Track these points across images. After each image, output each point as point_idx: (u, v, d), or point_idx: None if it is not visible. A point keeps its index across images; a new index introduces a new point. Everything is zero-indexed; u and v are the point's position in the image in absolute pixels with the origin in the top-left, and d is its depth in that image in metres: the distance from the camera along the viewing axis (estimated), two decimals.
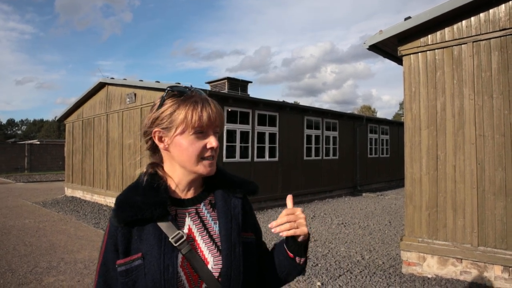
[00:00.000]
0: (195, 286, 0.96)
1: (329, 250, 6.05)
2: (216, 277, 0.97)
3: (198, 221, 1.04)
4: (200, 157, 1.01)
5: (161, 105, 1.03)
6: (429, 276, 4.65)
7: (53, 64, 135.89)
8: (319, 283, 4.50)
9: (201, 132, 1.00)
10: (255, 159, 10.56)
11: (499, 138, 4.26)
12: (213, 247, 1.01)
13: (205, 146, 1.01)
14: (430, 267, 4.69)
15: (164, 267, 0.94)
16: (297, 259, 1.06)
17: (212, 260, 0.99)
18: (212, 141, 1.01)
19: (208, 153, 1.01)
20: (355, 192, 14.31)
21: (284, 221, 0.99)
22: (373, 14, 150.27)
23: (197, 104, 1.00)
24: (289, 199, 1.06)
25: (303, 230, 1.00)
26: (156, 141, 1.04)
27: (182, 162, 1.03)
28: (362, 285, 4.45)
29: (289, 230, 0.99)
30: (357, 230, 7.65)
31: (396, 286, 4.41)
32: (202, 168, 1.02)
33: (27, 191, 15.13)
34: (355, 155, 14.73)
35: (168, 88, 1.05)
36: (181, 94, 1.03)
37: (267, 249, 1.21)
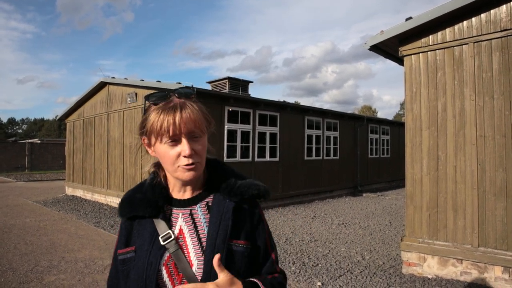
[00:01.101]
0: (177, 285, 0.98)
1: (329, 250, 6.05)
2: (199, 279, 0.97)
3: (191, 223, 1.04)
4: (177, 165, 0.99)
5: (144, 113, 1.07)
6: (429, 276, 4.65)
7: (54, 63, 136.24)
8: (319, 283, 4.50)
9: (173, 140, 0.98)
10: (256, 159, 10.57)
11: (500, 139, 4.26)
12: (200, 250, 1.01)
13: (179, 154, 0.98)
14: (431, 267, 4.69)
15: (148, 263, 0.98)
16: None
17: (196, 263, 0.99)
18: (185, 149, 0.97)
19: (184, 162, 0.98)
20: (355, 192, 14.31)
21: None
22: (373, 14, 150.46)
23: (162, 111, 0.99)
24: (215, 260, 0.93)
25: None
26: (146, 147, 1.08)
27: (165, 167, 1.06)
28: (363, 285, 4.45)
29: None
30: (358, 230, 7.65)
31: (397, 286, 4.42)
32: (181, 175, 1.01)
33: (28, 190, 15.15)
34: (356, 155, 14.73)
35: (144, 97, 1.08)
36: (156, 102, 1.03)
37: (271, 264, 1.13)
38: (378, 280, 4.61)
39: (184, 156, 0.98)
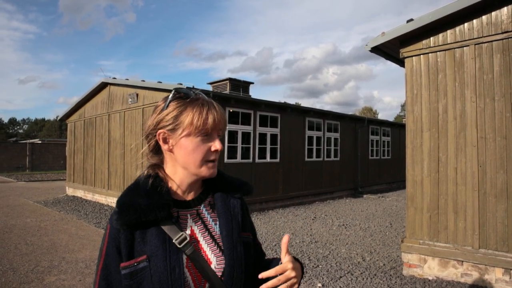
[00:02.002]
0: (199, 286, 0.98)
1: (330, 252, 6.05)
2: (220, 276, 0.99)
3: (200, 222, 1.06)
4: (205, 160, 1.03)
5: (166, 106, 1.03)
6: (430, 278, 4.65)
7: (56, 63, 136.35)
8: (319, 284, 4.50)
9: (206, 135, 1.02)
10: (257, 160, 10.57)
11: (501, 141, 4.26)
12: (215, 247, 1.03)
13: (209, 148, 1.02)
14: (431, 269, 4.69)
15: (171, 268, 0.95)
16: None
17: (215, 260, 1.01)
18: (216, 144, 1.03)
19: (212, 156, 1.04)
20: (356, 194, 14.30)
21: (275, 284, 0.95)
22: (374, 15, 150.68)
23: (203, 107, 1.02)
24: (284, 240, 1.00)
25: None
26: (161, 142, 1.04)
27: (185, 164, 1.03)
28: (363, 287, 4.45)
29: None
30: (358, 231, 7.65)
31: (397, 287, 4.42)
32: (206, 171, 1.04)
33: (29, 190, 15.16)
34: (357, 156, 14.72)
35: (174, 90, 1.05)
36: (186, 97, 1.04)
37: (262, 251, 1.24)
38: (378, 282, 4.61)
39: (215, 151, 1.03)
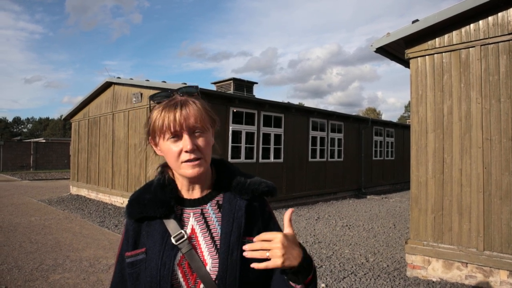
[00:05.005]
0: (192, 285, 0.97)
1: (333, 252, 6.04)
2: (214, 279, 0.96)
3: (202, 222, 1.04)
4: (181, 161, 1.00)
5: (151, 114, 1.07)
6: (434, 279, 4.64)
7: (61, 63, 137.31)
8: (323, 285, 4.50)
9: (174, 136, 0.99)
10: (260, 160, 10.57)
11: (506, 142, 4.24)
12: (213, 248, 1.00)
13: (181, 150, 0.99)
14: (435, 270, 4.67)
15: (161, 263, 0.97)
16: (292, 284, 0.93)
17: (210, 262, 0.99)
18: (186, 144, 0.97)
19: (185, 157, 0.99)
20: (359, 195, 14.27)
21: (257, 248, 0.89)
22: (376, 17, 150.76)
23: (164, 109, 1.01)
24: (287, 214, 0.95)
25: (275, 262, 0.87)
26: (153, 147, 1.08)
27: (170, 166, 1.06)
28: None
29: (259, 259, 0.89)
30: (362, 232, 7.63)
31: None
32: (184, 172, 1.00)
33: (33, 189, 15.24)
34: (360, 157, 14.70)
35: (148, 98, 1.08)
36: (159, 101, 1.05)
37: None
38: (382, 283, 4.59)
39: (186, 151, 0.98)
